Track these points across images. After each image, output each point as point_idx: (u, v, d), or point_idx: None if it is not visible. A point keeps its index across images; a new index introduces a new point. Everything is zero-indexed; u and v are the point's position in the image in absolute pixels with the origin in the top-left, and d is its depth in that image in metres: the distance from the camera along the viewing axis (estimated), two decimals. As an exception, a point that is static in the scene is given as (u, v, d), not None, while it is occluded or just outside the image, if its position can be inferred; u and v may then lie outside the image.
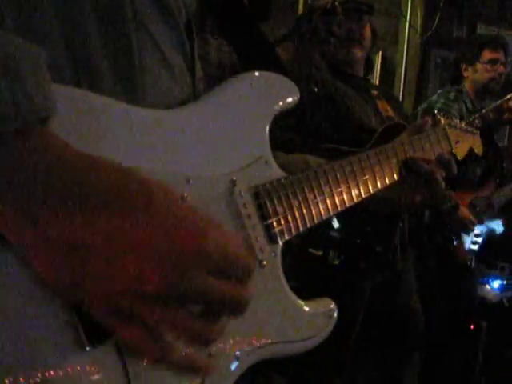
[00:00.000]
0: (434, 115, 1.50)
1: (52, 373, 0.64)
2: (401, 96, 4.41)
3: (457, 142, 1.43)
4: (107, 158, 0.63)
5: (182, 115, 0.82)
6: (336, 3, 2.31)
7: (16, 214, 0.57)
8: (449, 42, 4.48)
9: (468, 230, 3.30)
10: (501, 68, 3.47)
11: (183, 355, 0.65)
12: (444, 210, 3.15)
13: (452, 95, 3.48)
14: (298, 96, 0.96)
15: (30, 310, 0.62)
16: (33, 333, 0.63)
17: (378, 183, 1.14)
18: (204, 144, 0.82)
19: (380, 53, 4.43)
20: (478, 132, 1.60)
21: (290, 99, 0.95)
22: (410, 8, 4.43)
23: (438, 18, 4.27)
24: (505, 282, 3.94)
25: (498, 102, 3.02)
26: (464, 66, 3.54)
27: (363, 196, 1.08)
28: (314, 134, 2.13)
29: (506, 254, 4.04)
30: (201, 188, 0.80)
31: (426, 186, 1.25)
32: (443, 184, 1.26)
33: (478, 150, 1.59)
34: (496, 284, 3.93)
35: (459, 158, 1.46)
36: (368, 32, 2.59)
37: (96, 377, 0.67)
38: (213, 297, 0.64)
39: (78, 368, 0.66)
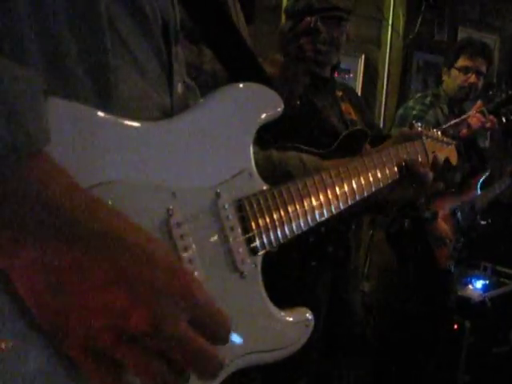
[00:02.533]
0: (412, 126, 1.54)
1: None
2: (383, 98, 4.45)
3: (433, 152, 1.47)
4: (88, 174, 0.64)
5: (167, 128, 0.82)
6: (318, 23, 2.36)
7: (2, 238, 0.58)
8: (430, 45, 4.53)
9: (441, 244, 3.32)
10: (472, 78, 3.36)
11: None
12: (423, 218, 3.20)
13: (428, 100, 3.45)
14: (282, 107, 0.97)
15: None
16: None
17: (365, 191, 1.17)
18: (189, 157, 0.83)
19: (363, 56, 4.47)
20: (454, 143, 1.65)
21: (273, 110, 0.96)
22: (393, 12, 4.47)
23: (419, 21, 4.31)
24: (487, 282, 3.99)
25: (458, 119, 3.02)
26: (444, 69, 3.52)
27: (341, 207, 1.10)
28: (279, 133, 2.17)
29: (488, 254, 4.10)
30: (186, 201, 0.81)
31: (418, 185, 1.33)
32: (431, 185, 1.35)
33: (453, 160, 1.63)
34: (479, 284, 3.98)
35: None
36: (344, 37, 2.64)
37: None
38: (192, 349, 0.63)
39: None
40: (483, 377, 3.79)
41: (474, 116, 2.99)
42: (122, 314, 0.59)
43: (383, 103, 4.45)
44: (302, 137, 2.33)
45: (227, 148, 0.89)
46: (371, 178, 1.20)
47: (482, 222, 3.59)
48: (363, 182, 1.17)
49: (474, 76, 3.35)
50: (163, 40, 0.88)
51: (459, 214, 3.39)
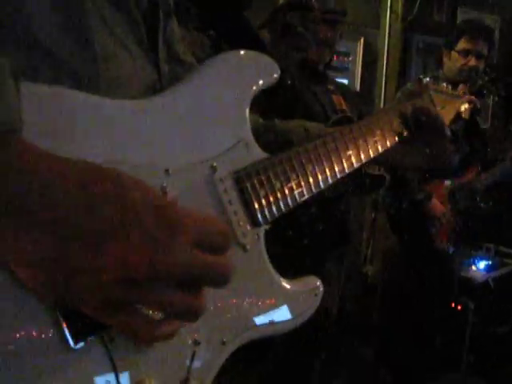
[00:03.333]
0: (420, 80, 1.51)
1: (41, 374, 0.64)
2: (383, 81, 4.44)
3: (443, 107, 1.43)
4: (81, 156, 0.63)
5: (158, 104, 0.81)
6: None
7: None
8: (430, 26, 4.51)
9: (438, 223, 3.32)
10: (472, 60, 3.31)
11: (174, 330, 0.67)
12: (416, 200, 3.20)
13: None
14: (278, 73, 0.96)
15: (12, 314, 0.63)
16: (18, 338, 0.63)
17: (371, 153, 1.14)
18: (181, 132, 0.82)
19: (362, 39, 4.45)
20: (466, 96, 1.57)
21: (269, 77, 0.94)
22: (391, -7, 4.45)
23: (418, 3, 4.29)
24: (490, 263, 3.99)
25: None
26: (444, 51, 3.46)
27: (346, 171, 1.08)
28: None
29: (491, 234, 4.10)
30: (181, 177, 0.80)
31: (432, 142, 1.26)
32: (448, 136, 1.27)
33: (465, 114, 1.55)
34: (482, 265, 3.98)
35: (446, 122, 1.43)
36: (338, 37, 2.67)
37: (84, 373, 0.68)
38: (198, 269, 0.64)
39: (66, 367, 0.67)
40: (487, 357, 3.80)
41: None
42: (121, 265, 0.60)
43: (383, 86, 4.44)
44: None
45: (222, 119, 0.88)
46: (377, 139, 1.15)
47: (483, 205, 3.58)
48: (369, 143, 1.14)
49: (474, 59, 3.30)
50: (151, 20, 0.88)
51: (458, 195, 3.39)
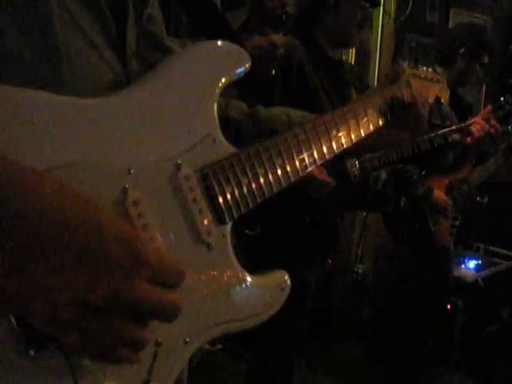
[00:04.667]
0: (399, 64, 1.49)
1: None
2: (375, 81, 4.45)
3: (421, 91, 1.42)
4: (41, 157, 0.65)
5: (119, 101, 0.80)
6: None
7: None
8: (422, 27, 4.52)
9: (445, 212, 3.34)
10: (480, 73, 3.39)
11: (122, 353, 0.68)
12: (419, 194, 3.20)
13: None
14: (249, 63, 0.93)
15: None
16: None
17: (343, 144, 1.12)
18: (145, 129, 0.80)
19: (355, 38, 4.46)
20: (445, 80, 1.58)
21: (238, 68, 0.92)
22: (384, -6, 4.46)
23: (411, 3, 4.30)
24: (480, 262, 4.02)
25: (462, 124, 2.98)
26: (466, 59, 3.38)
27: (318, 163, 1.06)
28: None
29: (481, 234, 4.11)
30: (143, 177, 0.79)
31: (410, 119, 1.31)
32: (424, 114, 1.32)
33: (444, 97, 1.55)
34: (472, 264, 4.00)
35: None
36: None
37: (43, 378, 0.68)
38: (151, 303, 0.66)
39: (25, 372, 0.67)
40: (476, 355, 3.82)
41: (478, 123, 2.97)
42: (80, 288, 0.61)
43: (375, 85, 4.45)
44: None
45: (187, 114, 0.85)
46: (351, 129, 1.14)
47: (478, 199, 3.58)
48: (341, 134, 1.11)
49: (478, 70, 3.35)
50: (118, 14, 0.87)
51: (455, 190, 3.41)
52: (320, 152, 1.05)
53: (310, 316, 2.62)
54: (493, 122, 3.00)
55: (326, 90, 2.52)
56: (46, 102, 0.72)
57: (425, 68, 1.49)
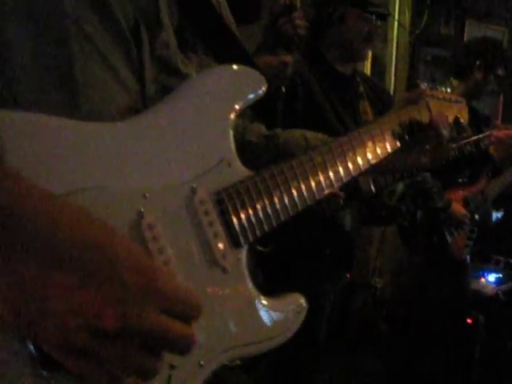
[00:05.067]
0: (418, 85, 1.49)
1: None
2: (391, 93, 4.44)
3: (440, 113, 1.40)
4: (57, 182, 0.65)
5: (135, 125, 0.81)
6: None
7: None
8: (437, 39, 4.50)
9: (463, 225, 3.32)
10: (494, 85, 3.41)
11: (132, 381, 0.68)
12: (436, 207, 3.19)
13: None
14: (265, 87, 0.94)
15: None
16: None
17: (361, 168, 1.12)
18: (161, 153, 0.81)
19: (370, 52, 4.46)
20: (464, 100, 1.58)
21: (253, 91, 0.93)
22: (399, 7, 4.46)
23: (425, 16, 4.29)
24: (500, 276, 3.97)
25: (480, 135, 2.94)
26: (470, 67, 3.40)
27: (335, 186, 1.06)
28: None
29: (501, 247, 4.07)
30: (158, 201, 0.79)
31: (430, 143, 1.28)
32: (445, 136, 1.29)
33: (464, 118, 1.55)
34: (492, 278, 3.95)
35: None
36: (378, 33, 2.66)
37: None
38: (164, 334, 0.65)
39: None
40: (498, 371, 3.77)
41: (494, 135, 2.96)
42: (92, 314, 0.61)
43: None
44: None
45: (202, 139, 0.86)
46: (368, 151, 1.13)
47: (495, 213, 3.56)
48: (358, 156, 1.11)
49: (494, 83, 3.39)
50: (134, 41, 0.88)
51: (472, 203, 3.39)
52: (337, 174, 1.05)
53: (327, 330, 2.61)
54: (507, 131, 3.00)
55: (334, 105, 2.52)
56: (61, 128, 0.73)
57: (443, 89, 1.49)
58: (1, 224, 0.59)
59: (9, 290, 0.60)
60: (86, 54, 0.79)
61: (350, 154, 1.09)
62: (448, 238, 3.33)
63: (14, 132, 0.67)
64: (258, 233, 0.91)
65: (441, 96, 1.44)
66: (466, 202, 3.39)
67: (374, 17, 2.51)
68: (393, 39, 4.48)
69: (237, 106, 0.90)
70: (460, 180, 3.47)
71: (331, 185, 1.04)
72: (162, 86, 0.97)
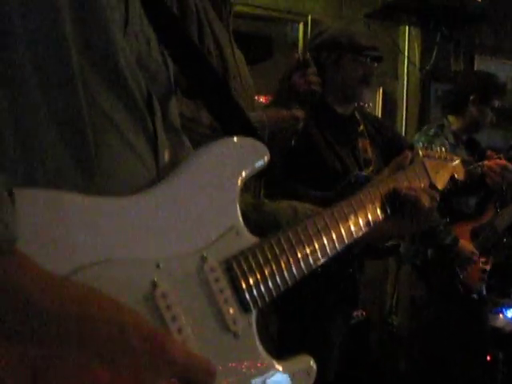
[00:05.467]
0: (413, 148, 1.53)
1: None
2: (403, 131, 4.47)
3: (436, 172, 1.45)
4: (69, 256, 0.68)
5: (148, 198, 0.83)
6: (307, 55, 2.44)
7: None
8: (448, 75, 4.54)
9: (470, 262, 3.31)
10: (489, 116, 3.48)
11: None
12: (444, 245, 3.19)
13: (432, 131, 3.53)
14: (268, 157, 0.98)
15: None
16: None
17: (354, 232, 1.14)
18: (173, 224, 0.84)
19: (381, 89, 4.51)
20: (459, 158, 1.62)
21: (259, 162, 0.97)
22: (408, 44, 4.52)
23: (435, 52, 4.33)
24: (519, 311, 3.92)
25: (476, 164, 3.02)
26: (474, 100, 3.49)
27: (338, 249, 1.09)
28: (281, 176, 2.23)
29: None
30: (171, 270, 0.81)
31: (414, 214, 1.27)
32: (431, 206, 1.28)
33: (460, 175, 1.59)
34: (510, 313, 3.91)
35: (439, 187, 1.48)
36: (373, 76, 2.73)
37: None
38: None
39: None
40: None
41: (488, 164, 2.99)
42: None
43: (403, 134, 4.46)
44: (303, 176, 2.41)
45: (211, 208, 0.89)
46: (360, 220, 1.16)
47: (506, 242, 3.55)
48: (352, 224, 1.14)
49: (490, 115, 3.47)
50: (147, 110, 0.90)
51: (481, 235, 3.38)
52: (339, 238, 1.09)
53: (343, 368, 2.60)
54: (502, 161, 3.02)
55: (331, 144, 2.60)
56: (72, 203, 0.74)
57: (438, 148, 1.53)
58: (8, 307, 0.60)
59: (21, 374, 0.60)
60: (102, 128, 0.81)
61: (352, 219, 1.14)
62: (460, 273, 3.33)
63: (25, 210, 0.69)
64: (266, 298, 0.93)
65: (436, 155, 1.48)
66: (474, 235, 3.39)
67: (368, 60, 2.60)
68: (403, 75, 4.53)
69: (242, 176, 0.94)
70: (467, 212, 3.48)
71: (334, 248, 1.08)
72: (174, 156, 1.00)
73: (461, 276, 3.33)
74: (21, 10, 0.72)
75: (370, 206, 1.21)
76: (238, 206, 0.93)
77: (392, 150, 2.74)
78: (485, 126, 3.51)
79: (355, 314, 3.06)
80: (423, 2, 4.07)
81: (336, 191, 2.48)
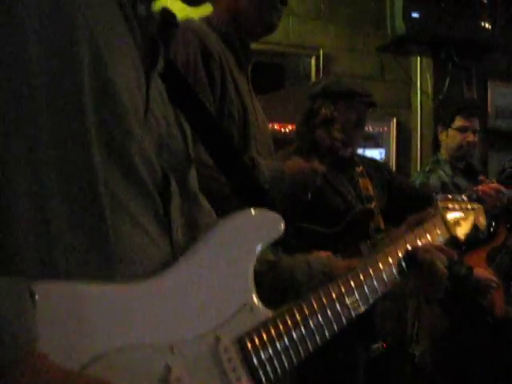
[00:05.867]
0: (434, 201, 1.50)
1: None
2: (418, 160, 4.49)
3: (457, 223, 1.44)
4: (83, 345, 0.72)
5: (161, 282, 0.85)
6: (334, 113, 2.53)
7: None
8: (461, 103, 4.56)
9: (489, 288, 3.31)
10: (470, 136, 3.62)
11: None
12: (460, 276, 3.19)
13: (428, 168, 3.70)
14: (282, 227, 0.98)
15: None
16: None
17: (371, 298, 1.15)
18: (186, 306, 0.85)
19: (394, 119, 4.54)
20: (481, 206, 1.60)
21: (272, 234, 0.98)
22: (420, 74, 4.56)
23: (447, 81, 4.37)
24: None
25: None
26: (440, 129, 3.75)
27: (353, 316, 1.09)
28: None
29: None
30: (185, 353, 0.82)
31: (428, 274, 1.25)
32: (445, 271, 1.25)
33: (481, 223, 1.56)
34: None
35: (461, 238, 1.46)
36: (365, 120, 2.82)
37: None
38: None
39: None
40: None
41: (481, 189, 3.02)
42: None
43: (418, 165, 4.49)
44: (309, 214, 2.47)
45: (225, 286, 0.90)
46: (375, 283, 1.16)
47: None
48: (368, 288, 1.14)
49: (471, 135, 3.62)
50: (162, 195, 0.93)
51: (497, 258, 3.39)
52: (354, 304, 1.10)
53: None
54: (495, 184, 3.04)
55: (334, 184, 2.68)
56: (86, 293, 0.76)
57: (458, 198, 1.52)
58: None
59: None
60: (116, 213, 0.83)
61: (368, 283, 1.14)
62: (482, 301, 3.32)
63: (46, 304, 0.71)
64: (279, 372, 0.94)
65: (457, 206, 1.47)
66: (489, 259, 3.40)
67: (361, 105, 2.71)
68: (416, 105, 4.56)
69: (257, 250, 0.96)
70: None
71: (350, 316, 1.08)
72: (191, 216, 1.04)
73: (484, 303, 3.32)
74: (48, 114, 0.77)
75: (387, 268, 1.21)
76: (251, 281, 0.94)
77: (391, 188, 2.88)
78: (464, 147, 3.63)
79: (375, 346, 3.07)
80: (433, 33, 4.11)
81: (342, 226, 2.56)
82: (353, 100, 2.68)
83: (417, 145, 4.55)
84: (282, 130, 4.22)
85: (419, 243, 1.30)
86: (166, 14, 1.05)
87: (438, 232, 1.36)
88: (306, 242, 2.56)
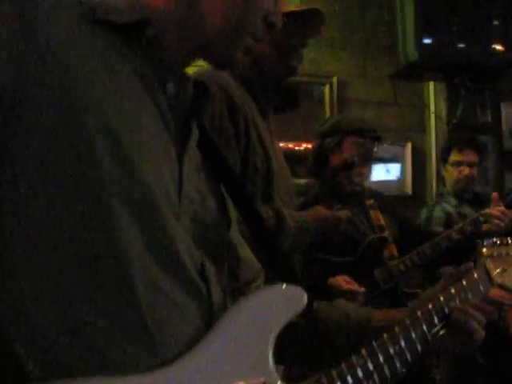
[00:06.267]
0: (479, 249, 1.41)
1: None
2: (433, 184, 4.52)
3: (504, 270, 1.36)
4: None
5: (183, 365, 0.85)
6: (355, 158, 2.60)
7: None
8: (475, 126, 4.59)
9: (502, 307, 3.30)
10: (465, 170, 3.62)
11: None
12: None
13: (433, 201, 3.81)
14: (305, 302, 0.98)
15: None
16: None
17: (408, 358, 1.08)
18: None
19: (409, 144, 4.58)
20: None
21: (296, 310, 0.97)
22: (434, 98, 4.60)
23: (461, 105, 4.40)
24: None
25: (474, 216, 3.04)
26: (442, 166, 3.82)
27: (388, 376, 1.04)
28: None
29: None
30: None
31: (463, 336, 1.20)
32: (481, 331, 1.20)
33: None
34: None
35: (509, 287, 1.39)
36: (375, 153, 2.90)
37: None
38: None
39: None
40: None
41: (488, 213, 3.04)
42: None
43: (434, 189, 4.52)
44: (324, 244, 2.51)
45: (245, 365, 0.89)
46: (410, 343, 1.09)
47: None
48: (405, 346, 1.08)
49: (466, 169, 3.62)
50: (201, 280, 0.94)
51: None
52: (389, 360, 1.06)
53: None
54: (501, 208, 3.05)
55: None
56: None
57: (504, 241, 1.39)
58: None
59: None
60: (155, 300, 0.84)
61: (402, 345, 1.09)
62: (498, 321, 3.32)
63: None
64: None
65: (503, 252, 1.37)
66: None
67: (368, 140, 2.76)
68: (431, 129, 4.60)
69: (279, 327, 0.95)
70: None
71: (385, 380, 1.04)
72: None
73: (500, 323, 3.32)
74: (82, 224, 0.81)
75: (419, 329, 1.13)
76: (271, 359, 0.93)
77: (401, 222, 2.98)
78: (462, 181, 3.64)
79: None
80: (446, 59, 4.16)
81: (356, 256, 2.66)
82: (360, 136, 2.75)
83: (432, 169, 4.57)
84: (297, 148, 4.31)
85: (457, 301, 1.23)
86: (198, 85, 1.05)
87: (481, 288, 1.30)
88: (321, 272, 2.63)
